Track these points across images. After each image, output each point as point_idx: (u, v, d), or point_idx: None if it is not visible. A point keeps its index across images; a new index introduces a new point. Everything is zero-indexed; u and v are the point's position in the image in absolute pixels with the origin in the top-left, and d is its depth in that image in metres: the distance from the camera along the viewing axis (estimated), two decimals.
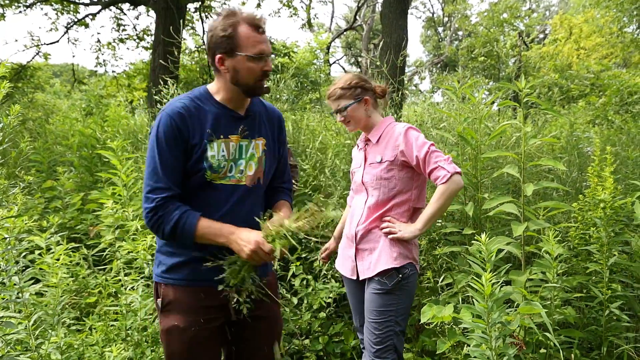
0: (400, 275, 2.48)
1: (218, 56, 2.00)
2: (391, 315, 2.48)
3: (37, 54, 13.15)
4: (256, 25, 2.00)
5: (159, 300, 2.06)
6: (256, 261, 1.93)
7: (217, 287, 1.98)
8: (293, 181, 3.93)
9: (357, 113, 2.65)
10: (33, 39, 13.07)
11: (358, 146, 2.78)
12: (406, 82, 7.97)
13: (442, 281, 3.31)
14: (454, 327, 3.02)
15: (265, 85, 2.08)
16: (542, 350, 2.78)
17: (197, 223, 1.93)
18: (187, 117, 1.96)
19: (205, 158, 1.97)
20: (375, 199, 2.57)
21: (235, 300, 2.00)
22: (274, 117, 2.27)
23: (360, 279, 2.60)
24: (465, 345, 2.82)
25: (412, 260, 2.53)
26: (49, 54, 13.52)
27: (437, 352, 2.94)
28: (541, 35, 27.18)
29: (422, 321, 2.87)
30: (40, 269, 2.87)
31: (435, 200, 2.46)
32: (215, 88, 2.09)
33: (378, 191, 2.56)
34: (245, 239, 1.91)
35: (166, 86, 4.29)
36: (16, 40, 16.31)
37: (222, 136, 2.02)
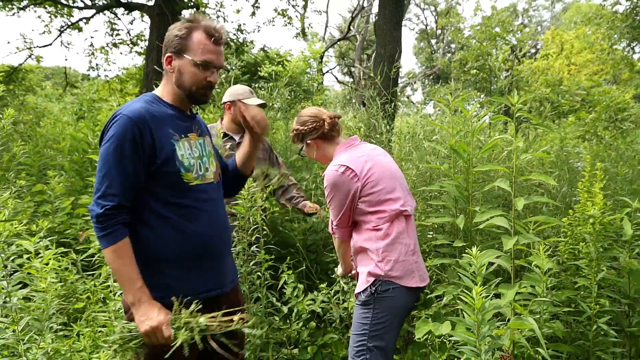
0: (374, 288, 2.50)
1: (167, 55, 2.03)
2: (364, 329, 2.51)
3: (30, 56, 13.09)
4: (211, 34, 2.01)
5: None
6: (151, 341, 1.86)
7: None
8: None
9: (310, 154, 2.83)
10: (26, 42, 13.01)
11: None
12: (399, 93, 8.01)
13: (431, 293, 3.32)
14: (445, 340, 3.02)
15: (204, 95, 2.07)
16: None
17: (118, 241, 1.86)
18: (149, 118, 1.93)
19: (176, 158, 1.97)
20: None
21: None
22: (200, 117, 2.30)
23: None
24: (456, 358, 2.82)
25: (384, 278, 2.50)
26: (41, 57, 13.48)
27: None
28: (533, 50, 27.45)
29: (417, 337, 2.88)
30: (29, 273, 2.85)
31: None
32: (163, 91, 2.09)
33: None
34: (149, 315, 1.85)
35: None
36: (8, 42, 16.24)
37: (182, 135, 2.03)
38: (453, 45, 32.93)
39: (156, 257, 1.96)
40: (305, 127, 2.73)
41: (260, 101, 3.76)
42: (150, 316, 1.83)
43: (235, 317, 1.90)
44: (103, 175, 1.87)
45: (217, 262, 2.10)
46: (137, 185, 1.91)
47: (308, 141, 2.74)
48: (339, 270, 2.97)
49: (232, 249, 2.44)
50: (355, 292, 2.62)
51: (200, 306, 1.90)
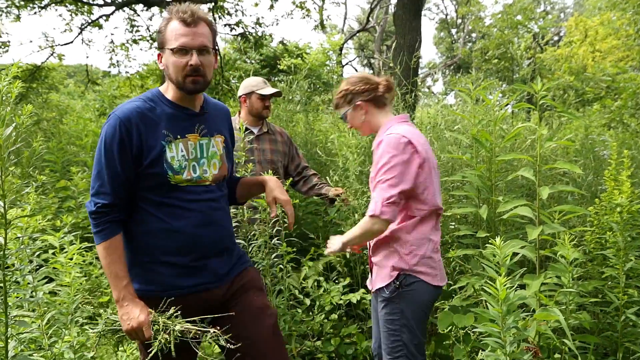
0: (398, 283, 2.42)
1: (157, 54, 2.06)
2: (397, 324, 2.43)
3: (52, 54, 13.23)
4: (182, 19, 1.96)
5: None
6: (132, 338, 1.94)
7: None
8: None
9: (355, 119, 2.60)
10: (47, 40, 13.15)
11: None
12: (419, 83, 7.94)
13: (455, 284, 3.29)
14: (469, 332, 2.99)
15: (193, 82, 1.98)
16: (557, 356, 2.74)
17: (108, 238, 1.94)
18: (139, 119, 1.94)
19: (165, 160, 1.96)
20: None
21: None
22: (224, 112, 2.26)
23: (372, 290, 2.60)
24: (480, 350, 2.79)
25: (409, 272, 2.43)
26: (63, 55, 13.60)
27: (453, 358, 2.92)
28: (556, 38, 27.00)
29: (440, 329, 2.85)
30: (54, 268, 2.88)
31: (358, 226, 2.43)
32: (166, 87, 2.09)
33: None
34: (131, 314, 1.90)
35: None
36: (31, 41, 16.49)
37: (179, 136, 2.01)
38: (474, 35, 32.57)
39: (144, 252, 2.02)
40: (356, 87, 2.53)
41: (274, 90, 3.74)
42: (132, 316, 1.89)
43: (211, 330, 1.92)
44: (96, 173, 1.95)
45: (206, 260, 2.08)
46: (128, 184, 1.96)
47: (358, 102, 2.53)
48: (335, 245, 2.52)
49: (233, 246, 2.27)
50: (376, 287, 2.52)
51: (179, 312, 1.93)
